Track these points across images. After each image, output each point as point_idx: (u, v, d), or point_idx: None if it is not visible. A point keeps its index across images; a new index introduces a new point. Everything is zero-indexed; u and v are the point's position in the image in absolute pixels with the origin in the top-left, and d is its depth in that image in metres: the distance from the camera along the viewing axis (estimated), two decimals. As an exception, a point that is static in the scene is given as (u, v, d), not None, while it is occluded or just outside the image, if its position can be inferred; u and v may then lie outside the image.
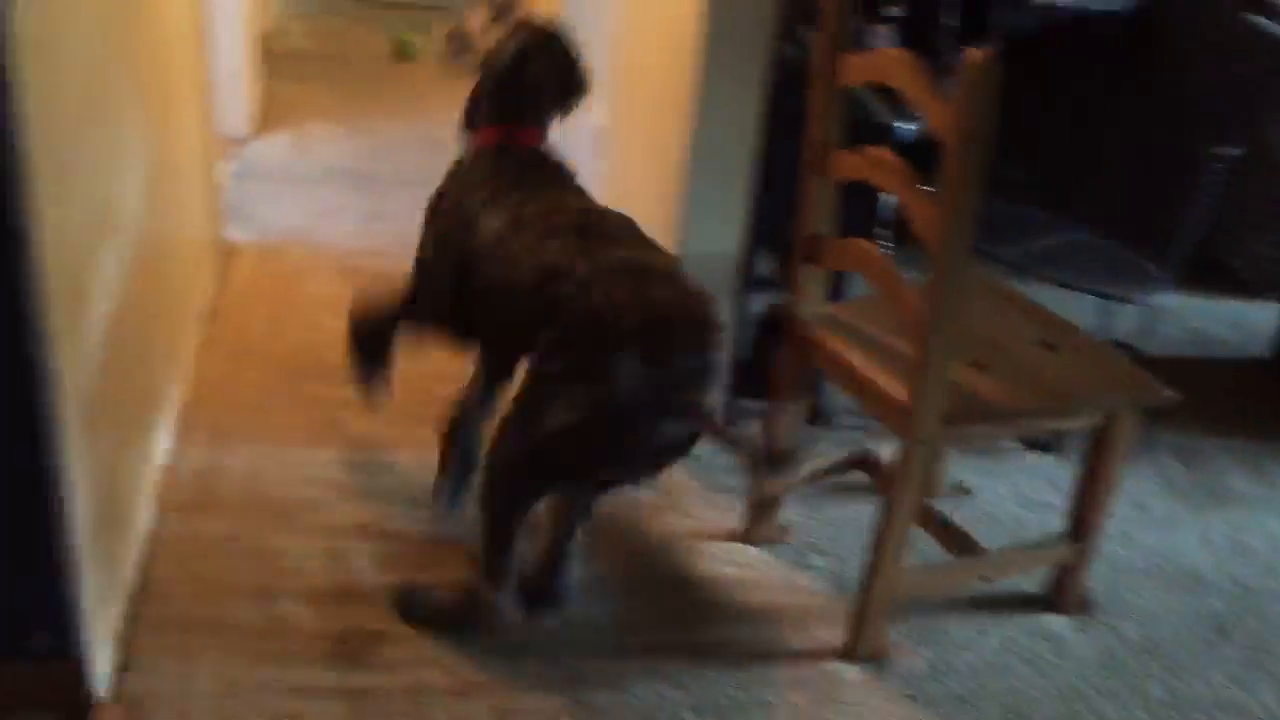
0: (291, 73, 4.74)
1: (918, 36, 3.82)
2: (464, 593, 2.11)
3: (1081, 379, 2.15)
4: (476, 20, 2.31)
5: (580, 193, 2.15)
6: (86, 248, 1.87)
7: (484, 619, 2.09)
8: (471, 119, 2.24)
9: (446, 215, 2.17)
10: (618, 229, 2.00)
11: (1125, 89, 4.16)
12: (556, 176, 2.15)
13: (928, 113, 1.78)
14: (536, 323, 1.90)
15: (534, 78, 2.19)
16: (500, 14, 2.29)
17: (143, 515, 2.25)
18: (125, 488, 2.13)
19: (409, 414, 2.65)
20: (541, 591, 2.14)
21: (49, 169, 1.64)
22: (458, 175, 2.20)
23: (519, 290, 1.94)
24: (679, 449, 1.92)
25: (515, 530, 2.01)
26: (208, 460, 2.52)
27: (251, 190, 3.78)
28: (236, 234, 3.47)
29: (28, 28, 1.53)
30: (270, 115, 4.32)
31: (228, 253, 3.36)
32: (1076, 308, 3.39)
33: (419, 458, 2.53)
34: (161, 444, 2.46)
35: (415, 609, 2.15)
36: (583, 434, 1.84)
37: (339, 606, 2.17)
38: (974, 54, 1.69)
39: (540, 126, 2.22)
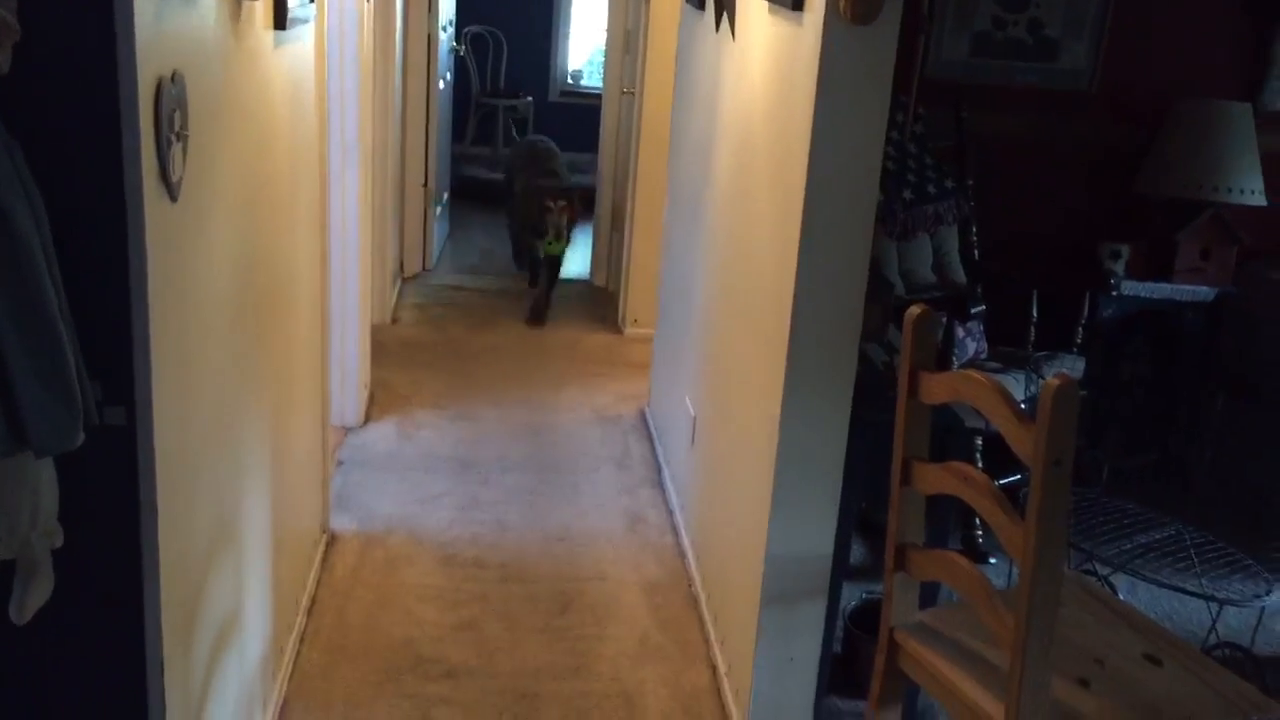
0: (400, 361, 4.99)
1: (1001, 330, 3.93)
2: None
3: (1188, 698, 2.08)
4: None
5: None
6: (203, 563, 1.97)
7: None
8: None
9: None
10: None
11: (1216, 379, 4.18)
12: None
13: (1011, 439, 1.82)
14: None
15: None
16: None
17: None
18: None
19: (501, 710, 2.65)
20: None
21: (173, 494, 1.76)
22: None
23: None
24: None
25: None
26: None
27: (356, 478, 3.93)
28: (340, 522, 3.59)
29: (164, 357, 1.67)
30: (378, 403, 4.53)
31: (330, 541, 3.47)
32: (1181, 601, 3.29)
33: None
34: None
35: None
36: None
37: None
38: (1052, 382, 1.75)
39: None
